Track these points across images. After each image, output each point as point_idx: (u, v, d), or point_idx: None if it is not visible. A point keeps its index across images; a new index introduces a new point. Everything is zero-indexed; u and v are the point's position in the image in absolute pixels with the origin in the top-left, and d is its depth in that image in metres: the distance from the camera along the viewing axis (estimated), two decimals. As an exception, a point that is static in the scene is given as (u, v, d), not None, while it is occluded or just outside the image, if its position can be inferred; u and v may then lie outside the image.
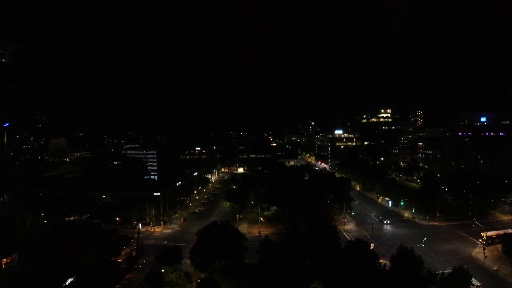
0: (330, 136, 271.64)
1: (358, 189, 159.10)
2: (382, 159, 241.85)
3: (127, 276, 64.63)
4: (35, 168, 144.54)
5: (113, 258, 65.26)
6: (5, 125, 44.02)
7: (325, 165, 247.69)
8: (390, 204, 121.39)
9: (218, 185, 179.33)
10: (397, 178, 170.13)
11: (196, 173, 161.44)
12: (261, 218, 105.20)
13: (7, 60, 44.41)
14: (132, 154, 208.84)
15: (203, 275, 61.19)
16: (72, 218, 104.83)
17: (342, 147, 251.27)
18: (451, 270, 54.45)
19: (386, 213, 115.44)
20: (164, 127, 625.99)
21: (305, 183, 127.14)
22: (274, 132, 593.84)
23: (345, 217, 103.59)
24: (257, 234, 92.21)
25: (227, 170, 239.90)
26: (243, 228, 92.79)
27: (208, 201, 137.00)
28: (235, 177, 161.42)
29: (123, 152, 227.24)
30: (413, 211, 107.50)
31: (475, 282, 58.21)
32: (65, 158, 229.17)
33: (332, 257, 60.95)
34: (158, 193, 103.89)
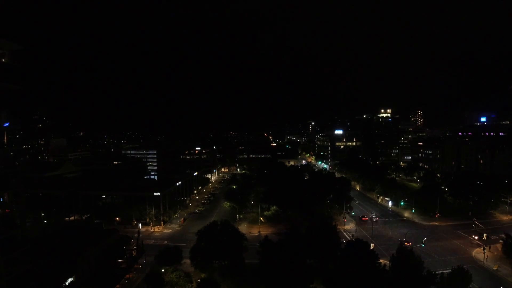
0: (330, 136, 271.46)
1: (358, 189, 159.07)
2: (382, 159, 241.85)
3: (127, 276, 64.63)
4: (35, 168, 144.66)
5: (113, 258, 65.26)
6: (5, 125, 44.02)
7: (325, 165, 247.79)
8: (390, 204, 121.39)
9: (218, 185, 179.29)
10: (397, 178, 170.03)
11: (196, 173, 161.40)
12: (261, 218, 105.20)
13: (7, 60, 44.42)
14: (132, 154, 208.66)
15: (203, 275, 61.20)
16: (72, 218, 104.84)
17: (342, 147, 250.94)
18: (451, 270, 54.51)
19: (386, 213, 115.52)
20: (164, 127, 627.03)
21: (305, 183, 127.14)
22: (274, 132, 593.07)
23: (345, 217, 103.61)
24: (257, 234, 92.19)
25: (227, 170, 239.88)
26: (243, 228, 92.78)
27: (208, 201, 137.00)
28: (235, 177, 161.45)
29: (123, 152, 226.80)
30: (413, 211, 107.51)
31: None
32: (66, 158, 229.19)
33: (332, 257, 60.98)
34: (158, 193, 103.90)
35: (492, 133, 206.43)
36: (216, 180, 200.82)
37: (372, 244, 73.43)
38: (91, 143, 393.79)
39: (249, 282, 59.90)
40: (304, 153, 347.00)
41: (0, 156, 43.32)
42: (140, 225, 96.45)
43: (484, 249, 74.68)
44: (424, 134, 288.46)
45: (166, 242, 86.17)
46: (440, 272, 55.86)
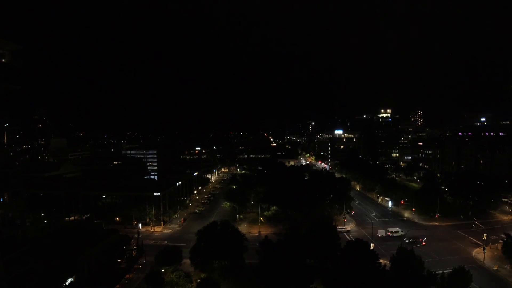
0: (330, 136, 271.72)
1: (358, 189, 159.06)
2: (382, 159, 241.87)
3: (127, 276, 64.66)
4: (35, 168, 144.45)
5: (113, 258, 65.26)
6: (5, 125, 44.02)
7: (325, 165, 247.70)
8: (390, 204, 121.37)
9: (218, 185, 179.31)
10: (397, 178, 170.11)
11: (196, 173, 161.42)
12: (261, 218, 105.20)
13: (7, 60, 44.43)
14: (132, 154, 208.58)
15: (203, 275, 61.22)
16: (72, 218, 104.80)
17: (342, 147, 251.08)
18: (451, 270, 54.49)
19: (386, 213, 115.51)
20: (164, 127, 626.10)
21: (305, 183, 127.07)
22: (274, 132, 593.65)
23: (345, 217, 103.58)
24: (257, 234, 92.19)
25: (227, 170, 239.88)
26: (243, 228, 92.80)
27: (208, 201, 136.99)
28: (235, 177, 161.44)
29: (123, 152, 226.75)
30: (413, 211, 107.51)
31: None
32: (65, 158, 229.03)
33: (332, 257, 60.96)
34: (158, 193, 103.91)
35: (492, 133, 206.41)
36: (216, 180, 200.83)
37: (372, 244, 73.42)
38: (91, 143, 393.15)
39: (249, 282, 59.93)
40: (304, 153, 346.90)
41: (0, 156, 43.31)
42: (140, 225, 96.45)
43: (484, 249, 74.70)
44: (424, 134, 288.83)
45: (166, 242, 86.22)
46: (440, 272, 55.86)
